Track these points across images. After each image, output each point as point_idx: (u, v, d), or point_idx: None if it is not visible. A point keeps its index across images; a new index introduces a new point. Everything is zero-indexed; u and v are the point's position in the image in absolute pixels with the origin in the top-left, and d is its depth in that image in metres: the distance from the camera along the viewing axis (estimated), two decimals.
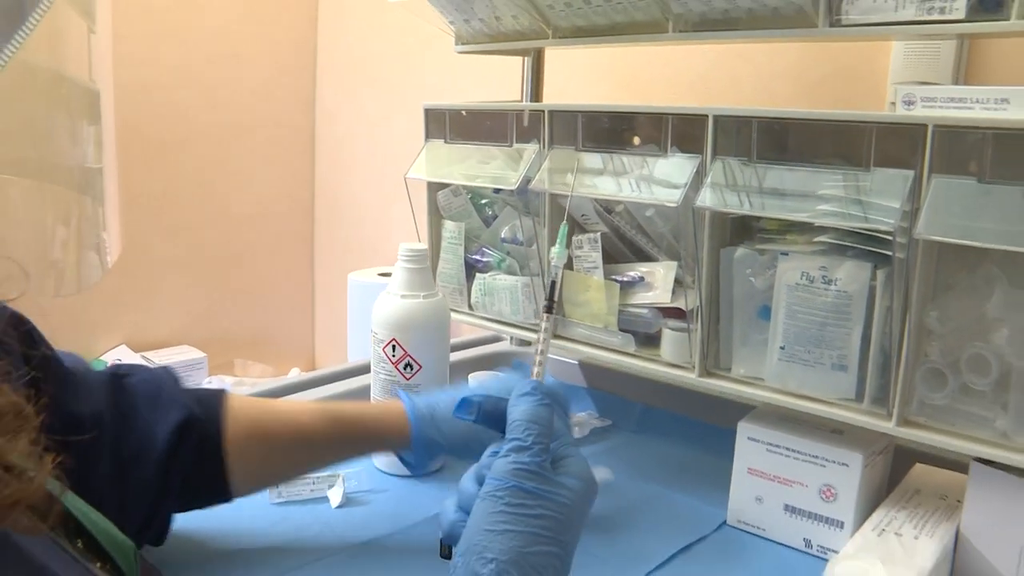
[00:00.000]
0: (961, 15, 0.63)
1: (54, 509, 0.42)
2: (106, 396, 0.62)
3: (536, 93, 1.08)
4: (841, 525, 0.76)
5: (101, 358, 1.60)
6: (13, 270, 0.43)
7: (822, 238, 0.71)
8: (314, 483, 0.83)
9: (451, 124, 0.96)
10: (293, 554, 0.73)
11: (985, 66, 0.94)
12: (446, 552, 0.54)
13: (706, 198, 0.74)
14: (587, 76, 1.28)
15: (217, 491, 0.68)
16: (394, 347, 0.86)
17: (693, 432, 0.99)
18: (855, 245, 0.69)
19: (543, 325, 0.61)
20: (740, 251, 0.76)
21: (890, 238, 0.66)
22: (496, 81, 1.27)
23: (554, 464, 0.53)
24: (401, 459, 0.76)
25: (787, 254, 0.73)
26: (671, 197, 0.75)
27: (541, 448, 0.51)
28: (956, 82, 0.96)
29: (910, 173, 0.64)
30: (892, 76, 1.01)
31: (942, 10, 0.64)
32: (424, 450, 0.71)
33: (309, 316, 1.95)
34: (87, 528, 0.48)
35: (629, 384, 1.06)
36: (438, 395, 0.74)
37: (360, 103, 1.79)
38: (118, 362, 1.56)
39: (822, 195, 0.69)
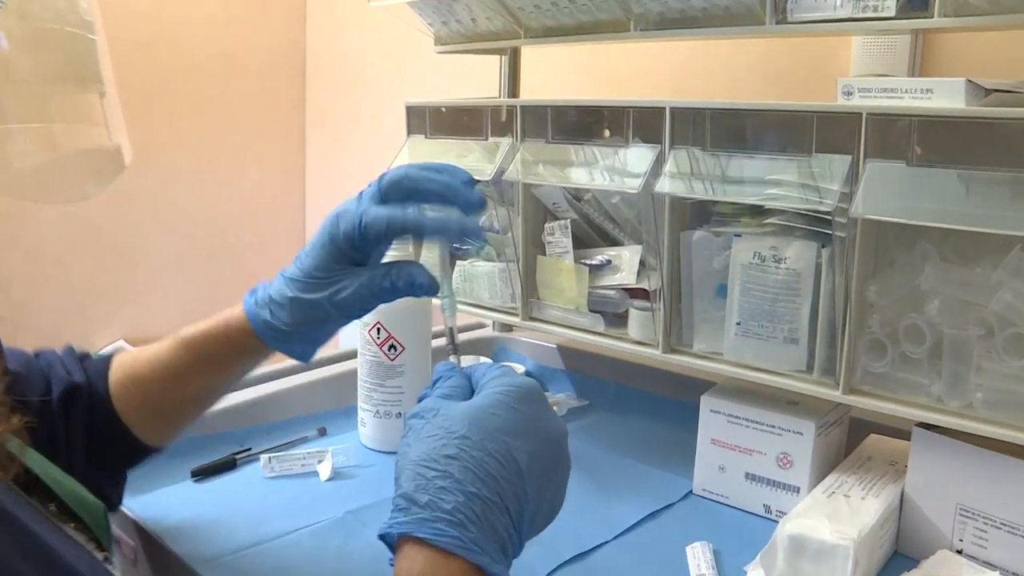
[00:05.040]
0: (892, 13, 0.69)
1: (14, 463, 0.45)
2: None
3: (513, 90, 1.13)
4: (797, 491, 0.81)
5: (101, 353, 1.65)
6: None
7: (772, 220, 0.76)
8: (304, 459, 0.89)
9: (431, 120, 1.01)
10: (284, 522, 0.78)
11: (938, 58, 0.99)
12: None
13: (664, 185, 0.79)
14: (565, 74, 1.33)
15: (132, 445, 0.69)
16: (379, 330, 0.91)
17: (665, 409, 1.04)
18: (802, 226, 0.75)
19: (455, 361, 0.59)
20: (698, 234, 0.82)
21: (831, 218, 0.71)
22: (477, 80, 1.32)
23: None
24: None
25: (740, 236, 0.78)
26: (632, 185, 0.81)
27: (440, 394, 0.52)
28: (911, 74, 1.01)
29: (848, 158, 0.70)
30: (853, 69, 1.06)
31: (875, 8, 0.69)
32: (280, 343, 0.65)
33: None
34: (56, 492, 0.50)
35: (604, 365, 1.11)
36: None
37: (349, 103, 1.84)
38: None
39: (772, 180, 0.74)
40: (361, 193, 0.61)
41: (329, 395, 1.04)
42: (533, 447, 0.49)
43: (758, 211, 0.78)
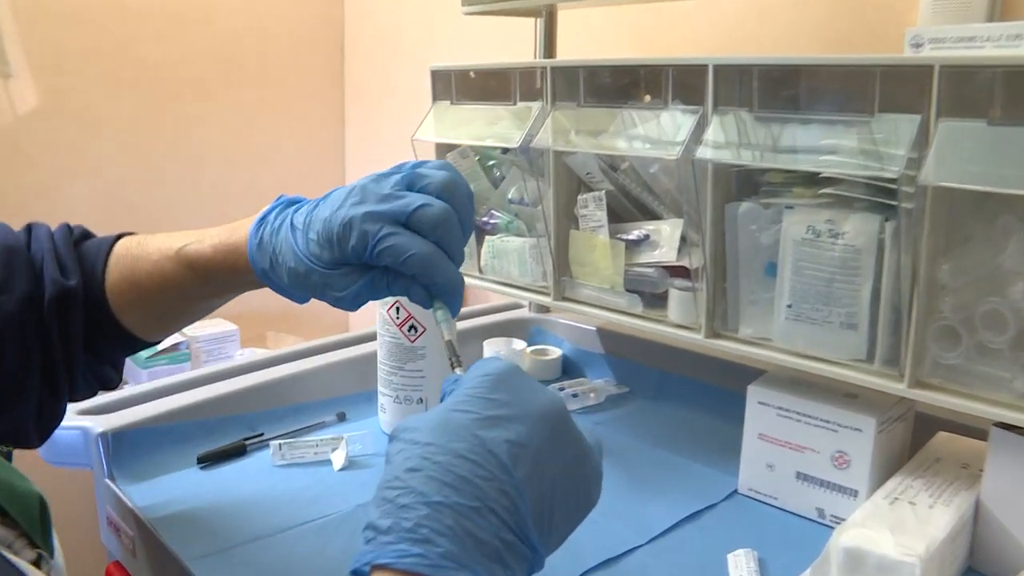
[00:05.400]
0: None
1: None
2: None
3: (549, 53, 1.05)
4: (855, 494, 0.73)
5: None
6: None
7: (828, 190, 0.67)
8: (317, 446, 0.83)
9: (457, 85, 0.94)
10: (288, 515, 0.73)
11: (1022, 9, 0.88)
12: None
13: (706, 152, 0.71)
14: (605, 40, 1.25)
15: (130, 339, 0.68)
16: (398, 309, 0.85)
17: (712, 398, 0.96)
18: (863, 196, 0.66)
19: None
20: (744, 206, 0.73)
21: (896, 187, 0.62)
22: (514, 50, 1.25)
23: None
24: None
25: (792, 207, 0.70)
26: (671, 151, 0.73)
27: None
28: None
29: (917, 118, 0.61)
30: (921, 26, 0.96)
31: None
32: (279, 290, 0.63)
33: None
34: None
35: (646, 350, 1.03)
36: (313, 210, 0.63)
37: (388, 77, 1.78)
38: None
39: (827, 145, 0.66)
40: (382, 189, 0.58)
41: (351, 377, 0.98)
42: (515, 434, 0.43)
43: (812, 180, 0.69)
